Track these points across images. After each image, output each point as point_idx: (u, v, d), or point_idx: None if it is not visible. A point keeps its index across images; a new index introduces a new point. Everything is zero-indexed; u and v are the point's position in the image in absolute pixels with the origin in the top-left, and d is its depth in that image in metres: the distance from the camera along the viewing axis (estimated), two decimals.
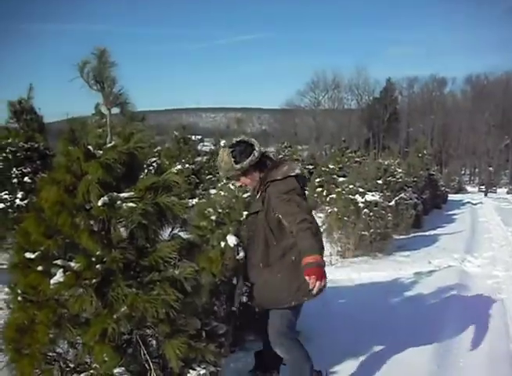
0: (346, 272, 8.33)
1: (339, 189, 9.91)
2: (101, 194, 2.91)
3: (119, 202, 2.92)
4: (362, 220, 9.31)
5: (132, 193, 2.98)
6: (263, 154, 3.80)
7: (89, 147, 3.01)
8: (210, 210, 4.87)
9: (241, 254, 4.59)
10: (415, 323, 5.35)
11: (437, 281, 7.52)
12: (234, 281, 4.58)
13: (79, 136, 3.07)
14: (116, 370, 2.88)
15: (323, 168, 17.85)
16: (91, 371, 2.84)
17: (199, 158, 13.61)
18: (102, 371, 2.85)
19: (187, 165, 13.05)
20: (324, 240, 9.72)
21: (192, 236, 3.47)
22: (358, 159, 19.76)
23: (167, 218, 3.10)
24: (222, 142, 4.68)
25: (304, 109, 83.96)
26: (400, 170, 12.88)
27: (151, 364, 2.89)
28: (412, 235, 12.41)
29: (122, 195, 2.95)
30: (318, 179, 17.42)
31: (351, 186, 9.73)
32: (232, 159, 3.73)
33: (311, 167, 21.28)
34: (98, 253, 2.89)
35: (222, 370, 3.33)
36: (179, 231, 3.33)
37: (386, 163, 12.38)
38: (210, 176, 13.48)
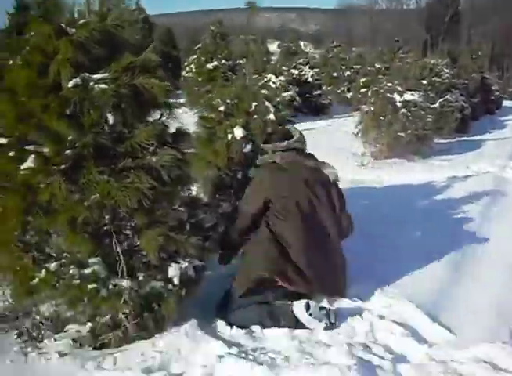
0: (377, 173, 8.05)
1: (376, 88, 9.39)
2: (73, 75, 2.72)
3: (92, 84, 2.72)
4: (399, 120, 8.86)
5: (107, 75, 2.77)
6: None
7: (61, 24, 2.78)
8: (219, 101, 4.63)
9: (248, 146, 4.40)
10: (439, 226, 5.09)
11: (471, 186, 7.13)
12: (239, 175, 4.42)
13: (53, 13, 2.84)
14: (91, 260, 2.83)
15: (369, 68, 17.05)
16: (63, 260, 2.79)
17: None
18: (75, 259, 2.79)
19: (223, 61, 12.66)
20: (359, 140, 9.52)
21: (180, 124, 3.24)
22: (409, 60, 18.72)
23: (147, 102, 2.89)
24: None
25: (360, 9, 79.68)
26: (447, 71, 12.07)
27: (121, 256, 2.80)
28: (456, 139, 11.81)
29: (95, 76, 2.74)
30: (363, 79, 16.69)
31: (389, 85, 9.19)
32: None
33: (358, 67, 20.38)
34: (70, 138, 2.74)
35: (208, 266, 3.24)
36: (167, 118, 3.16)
37: (432, 62, 11.60)
38: None
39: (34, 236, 2.83)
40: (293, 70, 17.32)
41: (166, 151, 2.85)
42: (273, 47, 29.95)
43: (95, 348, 2.89)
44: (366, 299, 3.51)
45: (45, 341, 2.95)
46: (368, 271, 3.88)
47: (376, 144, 9.22)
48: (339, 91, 19.57)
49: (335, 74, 20.26)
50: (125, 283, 2.78)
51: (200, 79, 13.54)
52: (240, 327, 3.16)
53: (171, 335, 2.96)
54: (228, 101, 4.59)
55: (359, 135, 9.55)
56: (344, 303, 3.46)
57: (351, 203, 5.67)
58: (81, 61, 2.75)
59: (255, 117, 4.48)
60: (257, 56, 12.73)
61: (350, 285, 3.53)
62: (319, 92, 17.24)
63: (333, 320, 3.14)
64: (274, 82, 16.33)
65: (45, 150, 2.73)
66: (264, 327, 3.19)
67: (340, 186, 6.03)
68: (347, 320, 3.24)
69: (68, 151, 2.70)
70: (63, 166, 2.68)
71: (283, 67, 16.78)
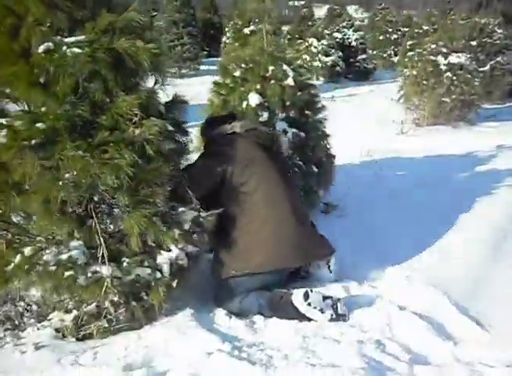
0: (416, 141, 7.55)
1: (419, 50, 8.77)
2: (45, 40, 2.41)
3: (65, 48, 2.40)
4: (443, 84, 8.25)
5: (82, 38, 2.45)
6: None
7: None
8: (234, 65, 4.26)
9: (264, 115, 4.03)
10: (480, 205, 4.61)
11: None
12: None
13: None
14: (72, 244, 2.57)
15: (416, 30, 16.17)
16: (39, 245, 2.53)
17: None
18: (52, 244, 2.53)
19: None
20: (401, 106, 8.97)
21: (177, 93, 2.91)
22: (461, 22, 17.68)
23: (131, 68, 2.56)
24: None
25: None
26: (500, 31, 11.20)
27: (101, 239, 2.52)
28: (508, 105, 11.06)
29: (68, 40, 2.42)
30: (410, 42, 15.85)
31: (433, 46, 8.55)
32: None
33: (406, 29, 19.41)
34: (43, 109, 2.45)
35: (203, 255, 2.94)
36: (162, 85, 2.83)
37: (483, 22, 10.78)
38: None
39: (9, 218, 2.56)
40: (336, 34, 16.66)
41: (152, 122, 2.52)
42: (322, 12, 28.93)
43: (78, 340, 2.64)
44: (384, 285, 3.14)
45: (28, 329, 2.72)
46: (388, 250, 3.51)
47: (419, 110, 8.65)
48: (385, 55, 18.75)
49: (381, 38, 19.41)
50: (105, 269, 2.50)
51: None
52: (240, 317, 2.86)
53: (162, 327, 2.68)
54: (243, 65, 4.21)
55: (401, 100, 8.98)
56: (357, 289, 3.10)
57: (382, 176, 5.31)
58: (56, 23, 2.44)
59: (272, 82, 4.09)
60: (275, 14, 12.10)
61: (364, 266, 3.17)
62: (363, 56, 16.57)
63: (341, 311, 2.79)
64: (316, 47, 15.77)
65: (16, 123, 2.44)
66: (265, 317, 2.88)
67: (375, 156, 5.55)
68: (360, 311, 2.87)
69: (40, 124, 2.40)
70: (33, 141, 2.38)
71: (326, 31, 16.11)
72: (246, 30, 12.53)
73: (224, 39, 16.96)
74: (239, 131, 3.20)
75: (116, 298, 2.66)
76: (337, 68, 15.39)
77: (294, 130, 4.08)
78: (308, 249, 3.01)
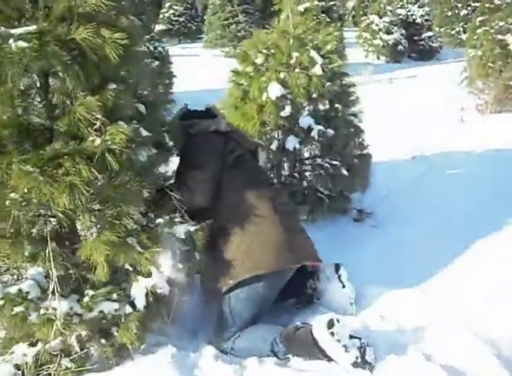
0: (478, 131, 6.76)
1: (486, 28, 7.91)
2: None
3: (11, 41, 1.98)
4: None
5: (34, 28, 2.02)
6: None
7: None
8: (258, 49, 3.74)
9: (287, 109, 3.53)
10: None
11: None
12: (273, 146, 3.57)
13: None
14: (30, 272, 2.19)
15: (487, 5, 14.90)
16: None
17: None
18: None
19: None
20: (463, 90, 8.15)
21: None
22: None
23: (95, 63, 2.12)
24: None
25: None
26: None
27: (52, 268, 2.12)
28: None
29: (15, 31, 2.00)
30: (480, 18, 14.65)
31: (501, 24, 7.68)
32: None
33: (477, 4, 18.05)
34: None
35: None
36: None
37: None
38: None
39: None
40: (399, 10, 15.69)
41: (117, 129, 2.08)
42: None
43: None
44: (410, 323, 2.60)
45: None
46: (421, 277, 2.96)
47: (483, 95, 7.82)
48: (453, 32, 17.55)
49: (449, 14, 18.16)
50: (59, 305, 2.10)
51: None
52: (233, 357, 2.41)
53: (135, 368, 2.27)
54: (265, 51, 3.70)
55: (463, 84, 8.18)
56: (378, 325, 2.59)
57: (431, 178, 4.62)
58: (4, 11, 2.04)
59: (297, 70, 3.57)
60: None
61: (390, 292, 2.70)
62: (428, 34, 15.56)
63: (369, 358, 2.27)
64: (377, 24, 14.91)
65: None
66: (274, 355, 2.41)
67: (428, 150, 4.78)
68: (380, 355, 2.35)
69: None
70: None
71: (388, 7, 15.19)
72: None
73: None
74: (224, 130, 2.73)
75: (84, 333, 2.27)
76: (400, 47, 14.50)
77: (321, 127, 3.54)
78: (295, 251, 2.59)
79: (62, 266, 2.20)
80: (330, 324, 2.27)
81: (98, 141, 2.05)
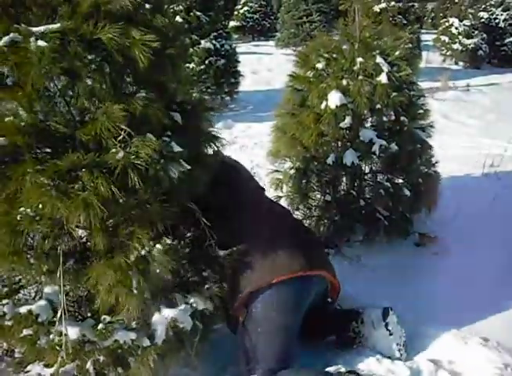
0: None
1: None
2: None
3: (33, 40, 1.79)
4: None
5: (55, 26, 1.82)
6: None
7: None
8: (320, 53, 3.44)
9: (347, 119, 3.22)
10: None
11: None
12: (329, 160, 3.27)
13: None
14: (45, 290, 2.01)
15: None
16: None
17: None
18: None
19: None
20: None
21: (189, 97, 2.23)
22: None
23: (123, 67, 1.91)
24: None
25: None
26: None
27: (61, 291, 1.92)
28: None
29: (37, 29, 1.81)
30: None
31: None
32: None
33: None
34: (7, 119, 1.88)
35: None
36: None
37: None
38: None
39: None
40: (481, 13, 14.86)
41: (142, 142, 1.85)
42: None
43: None
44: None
45: None
46: (489, 322, 2.60)
47: None
48: None
49: None
50: (67, 331, 1.90)
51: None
52: None
53: None
54: (326, 55, 3.40)
55: None
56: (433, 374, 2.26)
57: (504, 201, 4.10)
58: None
59: (360, 78, 3.25)
60: None
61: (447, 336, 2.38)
62: None
63: None
64: (456, 27, 14.17)
65: None
66: None
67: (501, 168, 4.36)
68: None
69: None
70: None
71: (470, 10, 14.42)
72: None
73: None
74: None
75: (102, 358, 2.07)
76: (480, 52, 13.69)
77: (383, 142, 3.21)
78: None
79: (76, 288, 2.02)
80: None
81: (121, 154, 1.84)
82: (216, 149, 2.35)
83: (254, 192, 2.61)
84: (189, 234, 2.15)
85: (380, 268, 3.10)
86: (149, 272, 1.90)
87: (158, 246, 1.91)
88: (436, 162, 3.64)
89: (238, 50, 9.34)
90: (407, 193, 3.28)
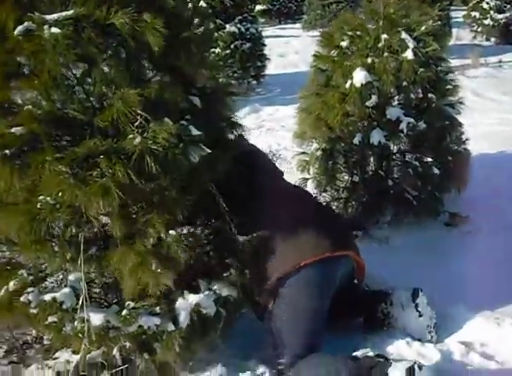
0: None
1: None
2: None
3: (46, 27, 1.78)
4: None
5: (70, 13, 1.81)
6: None
7: None
8: (344, 31, 3.37)
9: (373, 98, 3.15)
10: None
11: None
12: (356, 140, 3.21)
13: None
14: (70, 277, 2.03)
15: None
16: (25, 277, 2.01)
17: None
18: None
19: None
20: None
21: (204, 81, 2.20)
22: None
23: (139, 52, 1.89)
24: None
25: None
26: None
27: (82, 278, 1.92)
28: None
29: (51, 17, 1.80)
30: None
31: None
32: None
33: None
34: (26, 108, 1.88)
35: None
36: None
37: None
38: None
39: None
40: None
41: (160, 127, 1.84)
42: None
43: None
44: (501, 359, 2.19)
45: (32, 367, 2.25)
46: None
47: None
48: None
49: None
50: (89, 317, 1.91)
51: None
52: None
53: None
54: (350, 33, 3.32)
55: None
56: (463, 359, 2.21)
57: None
58: None
59: (385, 55, 3.17)
60: None
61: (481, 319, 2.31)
62: None
63: None
64: (488, 2, 13.73)
65: None
66: None
67: None
68: None
69: (18, 128, 1.84)
70: (7, 150, 1.83)
71: None
72: None
73: None
74: None
75: (128, 344, 2.07)
76: None
77: (411, 119, 3.13)
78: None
79: (101, 274, 2.03)
80: (411, 372, 1.93)
81: (138, 139, 1.82)
82: (237, 134, 2.33)
83: (274, 176, 2.57)
84: (210, 220, 2.14)
85: (409, 249, 3.03)
86: (167, 258, 1.89)
87: (172, 232, 1.90)
88: (466, 139, 3.54)
89: (264, 34, 9.25)
90: (436, 171, 3.20)
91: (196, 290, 2.08)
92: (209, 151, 2.00)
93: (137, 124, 1.85)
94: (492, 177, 3.87)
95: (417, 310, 2.31)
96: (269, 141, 4.95)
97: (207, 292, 2.07)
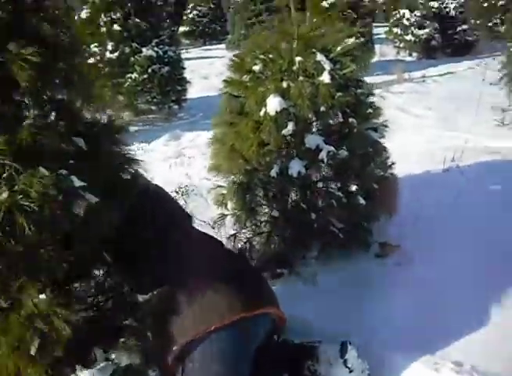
0: None
1: None
2: None
3: None
4: None
5: None
6: None
7: None
8: (256, 55, 3.14)
9: (289, 126, 2.93)
10: None
11: None
12: (273, 172, 2.97)
13: None
14: None
15: None
16: None
17: None
18: None
19: None
20: (504, 88, 7.30)
21: None
22: None
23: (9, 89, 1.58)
24: None
25: None
26: None
27: None
28: None
29: None
30: None
31: None
32: None
33: None
34: None
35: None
36: None
37: None
38: None
39: None
40: (432, 3, 14.82)
41: (33, 177, 1.53)
42: None
43: None
44: None
45: None
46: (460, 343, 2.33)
47: None
48: (490, 24, 16.53)
49: (485, 4, 17.13)
50: None
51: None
52: None
53: None
54: (262, 56, 3.11)
55: (503, 82, 7.38)
56: None
57: (468, 200, 3.90)
58: None
59: (300, 78, 2.97)
60: None
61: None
62: (463, 27, 14.66)
63: None
64: (408, 18, 14.10)
65: None
66: None
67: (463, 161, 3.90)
68: None
69: None
70: None
71: (420, 0, 14.38)
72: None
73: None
74: None
75: None
76: (433, 42, 13.65)
77: (331, 148, 2.93)
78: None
79: None
80: None
81: (5, 194, 1.51)
82: (134, 173, 2.04)
83: (179, 222, 2.28)
84: (101, 279, 1.84)
85: (338, 287, 2.82)
86: (46, 330, 1.57)
87: (42, 296, 1.59)
88: (392, 164, 3.38)
89: (188, 55, 9.01)
90: (362, 201, 3.01)
91: (90, 362, 1.77)
92: (97, 200, 1.71)
93: (5, 176, 1.54)
94: (422, 199, 3.74)
95: (347, 366, 2.08)
96: (188, 171, 4.67)
97: (103, 363, 1.76)
